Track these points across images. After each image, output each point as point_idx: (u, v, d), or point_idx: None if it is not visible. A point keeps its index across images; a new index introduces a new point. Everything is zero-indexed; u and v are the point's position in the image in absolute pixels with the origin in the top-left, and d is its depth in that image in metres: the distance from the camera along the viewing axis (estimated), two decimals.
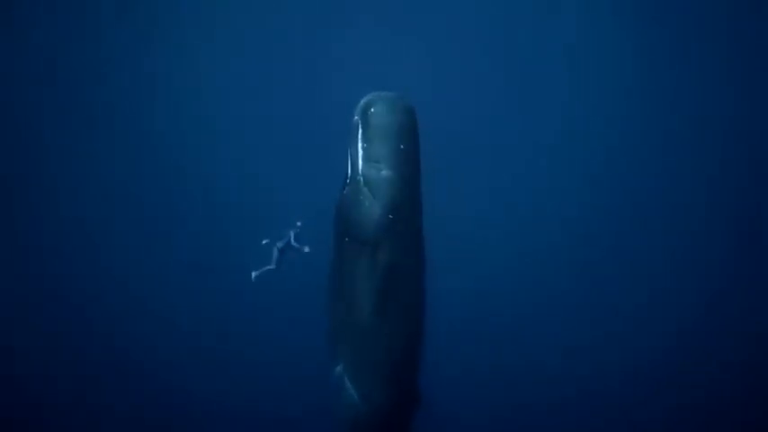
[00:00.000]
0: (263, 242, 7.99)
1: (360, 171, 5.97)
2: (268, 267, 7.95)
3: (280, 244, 7.90)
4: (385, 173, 5.92)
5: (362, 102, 6.03)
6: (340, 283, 6.30)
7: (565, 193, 11.57)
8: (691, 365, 10.87)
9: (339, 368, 6.49)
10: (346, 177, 6.08)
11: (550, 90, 11.85)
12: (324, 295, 6.51)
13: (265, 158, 11.01)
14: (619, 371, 10.66)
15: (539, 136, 11.61)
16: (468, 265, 10.10)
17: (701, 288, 11.18)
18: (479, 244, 10.53)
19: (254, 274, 7.97)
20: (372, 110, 5.96)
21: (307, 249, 7.86)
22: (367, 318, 6.16)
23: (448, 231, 7.38)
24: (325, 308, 6.53)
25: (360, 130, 5.98)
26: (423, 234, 6.29)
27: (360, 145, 5.99)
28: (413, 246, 6.21)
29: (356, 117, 6.02)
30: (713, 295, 11.12)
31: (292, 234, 7.91)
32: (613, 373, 10.62)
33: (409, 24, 11.87)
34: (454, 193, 8.40)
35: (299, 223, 7.96)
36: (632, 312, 11.07)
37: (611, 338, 10.74)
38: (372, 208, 5.93)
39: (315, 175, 7.73)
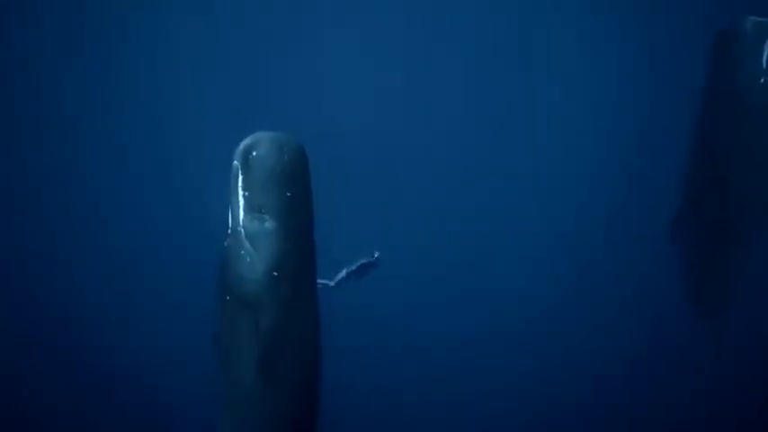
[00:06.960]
0: None
1: (240, 222, 5.35)
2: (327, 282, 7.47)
3: (353, 267, 7.60)
4: (269, 224, 5.31)
5: (242, 144, 5.36)
6: (222, 345, 5.68)
7: (486, 238, 10.92)
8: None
9: None
10: (227, 229, 5.45)
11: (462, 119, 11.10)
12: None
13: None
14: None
15: (452, 174, 10.90)
16: (371, 321, 9.46)
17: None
18: (385, 298, 9.83)
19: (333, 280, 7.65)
20: (254, 153, 5.30)
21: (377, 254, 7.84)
22: (250, 384, 5.57)
23: (349, 285, 6.81)
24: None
25: (240, 177, 5.33)
26: (316, 291, 5.71)
27: (240, 193, 5.35)
28: (302, 306, 5.59)
29: (235, 162, 5.35)
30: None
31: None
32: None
33: (299, 48, 10.95)
34: (355, 243, 7.80)
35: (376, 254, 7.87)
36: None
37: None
38: (254, 264, 5.33)
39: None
